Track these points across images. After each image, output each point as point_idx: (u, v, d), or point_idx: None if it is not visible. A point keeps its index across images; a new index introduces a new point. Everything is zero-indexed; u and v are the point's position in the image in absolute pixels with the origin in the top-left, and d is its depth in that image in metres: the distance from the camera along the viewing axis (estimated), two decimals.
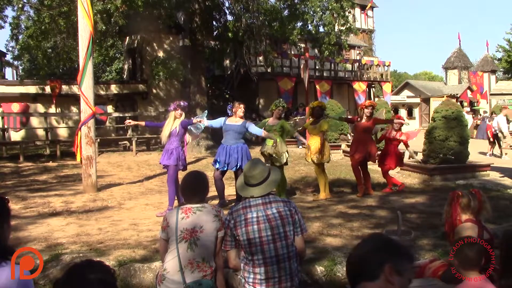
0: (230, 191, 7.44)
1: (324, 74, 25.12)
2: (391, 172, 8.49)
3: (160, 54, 18.47)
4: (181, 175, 5.38)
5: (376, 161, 8.22)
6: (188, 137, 6.83)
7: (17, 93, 17.08)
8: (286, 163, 7.12)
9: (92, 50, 8.37)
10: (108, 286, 1.46)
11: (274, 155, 6.91)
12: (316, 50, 20.07)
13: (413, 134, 9.09)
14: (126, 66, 21.53)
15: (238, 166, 6.44)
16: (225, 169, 6.56)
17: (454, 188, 7.95)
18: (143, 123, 7.51)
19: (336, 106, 15.00)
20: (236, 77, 22.49)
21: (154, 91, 19.21)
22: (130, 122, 7.55)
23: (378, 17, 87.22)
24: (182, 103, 6.74)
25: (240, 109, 6.68)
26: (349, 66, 27.24)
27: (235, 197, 6.75)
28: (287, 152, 7.11)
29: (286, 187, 7.31)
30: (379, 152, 8.55)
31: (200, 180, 3.04)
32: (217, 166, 6.60)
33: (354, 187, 8.10)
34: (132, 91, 19.22)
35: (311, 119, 7.72)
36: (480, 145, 15.35)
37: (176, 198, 6.51)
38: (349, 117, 10.04)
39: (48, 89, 17.01)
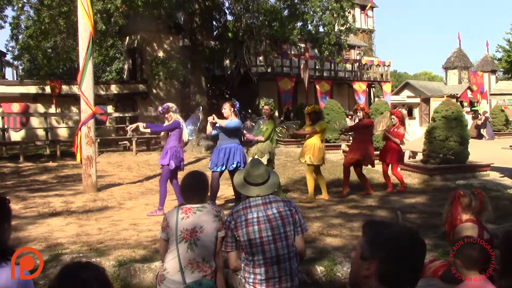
0: (230, 191, 7.43)
1: (324, 74, 25.11)
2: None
3: (160, 54, 18.48)
4: (181, 175, 5.37)
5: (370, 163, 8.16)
6: (185, 136, 6.74)
7: (17, 93, 17.08)
8: (270, 165, 6.66)
9: (92, 50, 8.37)
10: (103, 284, 1.46)
11: (255, 156, 6.57)
12: (316, 50, 20.10)
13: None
14: (126, 66, 21.54)
15: (228, 167, 6.22)
16: (217, 169, 6.33)
17: (454, 188, 7.94)
18: (148, 130, 6.96)
19: (336, 106, 14.98)
20: (236, 77, 22.49)
21: (154, 91, 19.22)
22: (131, 128, 6.97)
23: (378, 17, 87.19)
24: (160, 109, 6.58)
25: (223, 109, 6.40)
26: (349, 66, 27.23)
27: (234, 197, 6.73)
28: (270, 154, 6.71)
29: (281, 187, 7.22)
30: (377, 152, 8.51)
31: (200, 180, 3.03)
32: (210, 166, 6.45)
33: (353, 187, 8.05)
34: (132, 91, 19.23)
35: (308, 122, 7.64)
36: (480, 145, 15.32)
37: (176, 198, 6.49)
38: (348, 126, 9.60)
39: (48, 89, 17.00)
